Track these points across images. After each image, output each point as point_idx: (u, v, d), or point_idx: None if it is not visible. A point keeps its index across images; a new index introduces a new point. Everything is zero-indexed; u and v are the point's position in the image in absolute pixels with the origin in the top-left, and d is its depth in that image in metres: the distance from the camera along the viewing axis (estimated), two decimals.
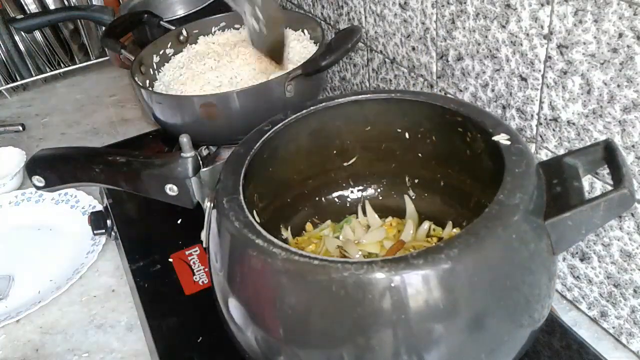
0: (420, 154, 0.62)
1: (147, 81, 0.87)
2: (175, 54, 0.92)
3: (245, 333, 0.45)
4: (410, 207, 0.64)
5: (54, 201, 0.88)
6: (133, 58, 0.87)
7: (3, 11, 1.24)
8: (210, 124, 0.74)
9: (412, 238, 0.61)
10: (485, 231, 0.39)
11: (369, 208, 0.65)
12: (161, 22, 1.00)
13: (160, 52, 0.91)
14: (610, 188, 0.47)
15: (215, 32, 0.95)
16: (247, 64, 0.83)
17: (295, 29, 0.89)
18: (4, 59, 1.26)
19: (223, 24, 0.95)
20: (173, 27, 0.97)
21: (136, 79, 0.82)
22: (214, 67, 0.83)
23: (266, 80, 0.76)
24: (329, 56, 0.71)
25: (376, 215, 0.64)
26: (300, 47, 0.85)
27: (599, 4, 0.47)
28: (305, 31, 0.88)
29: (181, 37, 0.94)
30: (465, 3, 0.61)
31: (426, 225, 0.62)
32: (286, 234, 0.63)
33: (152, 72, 0.89)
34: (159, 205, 0.59)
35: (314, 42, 0.86)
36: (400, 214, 0.65)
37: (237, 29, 0.94)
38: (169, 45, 0.92)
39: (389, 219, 0.64)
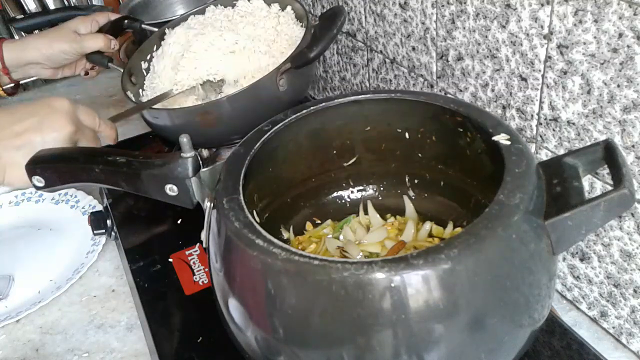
0: (420, 154, 0.62)
1: (140, 91, 0.86)
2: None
3: (245, 333, 0.45)
4: (409, 208, 0.64)
5: (54, 201, 0.88)
6: (122, 70, 0.86)
7: (3, 11, 1.25)
8: (209, 130, 0.74)
9: (413, 238, 0.61)
10: (485, 231, 0.39)
11: (371, 208, 0.65)
12: (142, 25, 0.98)
13: (147, 58, 0.89)
14: (610, 188, 0.47)
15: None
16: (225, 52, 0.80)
17: (281, 9, 0.86)
18: None
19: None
20: (155, 29, 0.94)
21: (129, 94, 0.80)
22: (191, 60, 0.80)
23: (257, 78, 0.74)
24: (316, 47, 0.70)
25: (378, 215, 0.64)
26: (286, 29, 0.82)
27: (599, 4, 0.47)
28: (290, 11, 0.85)
29: (165, 37, 0.91)
30: (465, 3, 0.61)
31: (427, 225, 0.62)
32: (287, 234, 0.63)
33: (142, 81, 0.87)
34: (159, 205, 0.59)
35: (300, 23, 0.84)
36: (400, 214, 0.65)
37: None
38: (154, 49, 0.89)
39: (391, 219, 0.64)
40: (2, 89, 0.94)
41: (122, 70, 0.86)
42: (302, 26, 0.83)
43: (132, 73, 0.87)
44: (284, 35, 0.81)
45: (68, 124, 0.59)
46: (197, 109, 0.73)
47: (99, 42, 0.93)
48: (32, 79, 1.29)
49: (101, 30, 0.97)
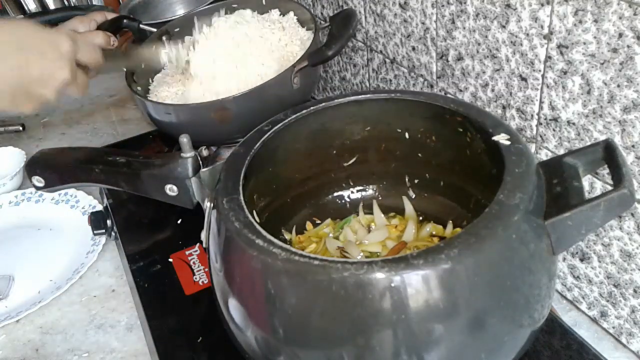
0: (420, 154, 0.62)
1: (140, 89, 0.86)
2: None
3: (245, 333, 0.45)
4: (409, 208, 0.64)
5: (54, 201, 0.88)
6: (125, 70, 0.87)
7: (3, 11, 1.24)
8: (222, 126, 0.74)
9: (414, 238, 0.61)
10: (485, 231, 0.39)
11: (376, 208, 0.65)
12: (140, 25, 0.99)
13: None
14: (610, 188, 0.47)
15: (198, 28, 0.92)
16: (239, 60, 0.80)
17: (283, 14, 0.87)
18: None
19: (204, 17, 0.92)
20: (154, 29, 0.95)
21: (134, 89, 0.81)
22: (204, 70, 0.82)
23: (271, 76, 0.75)
24: (334, 45, 0.71)
25: (382, 215, 0.64)
26: (292, 32, 0.83)
27: (599, 4, 0.47)
28: (292, 16, 0.86)
29: (164, 38, 0.91)
30: (465, 3, 0.61)
31: (429, 225, 0.62)
32: (288, 235, 0.63)
33: (142, 80, 0.88)
34: (159, 205, 0.59)
35: (304, 26, 0.85)
36: (400, 214, 0.65)
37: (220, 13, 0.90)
38: (153, 49, 0.89)
39: (394, 220, 0.64)
40: None
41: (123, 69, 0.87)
42: (306, 29, 0.84)
43: (134, 72, 0.87)
44: (294, 38, 0.82)
45: (67, 72, 0.61)
46: (213, 105, 0.74)
47: (99, 39, 0.93)
48: None
49: (100, 28, 0.97)
